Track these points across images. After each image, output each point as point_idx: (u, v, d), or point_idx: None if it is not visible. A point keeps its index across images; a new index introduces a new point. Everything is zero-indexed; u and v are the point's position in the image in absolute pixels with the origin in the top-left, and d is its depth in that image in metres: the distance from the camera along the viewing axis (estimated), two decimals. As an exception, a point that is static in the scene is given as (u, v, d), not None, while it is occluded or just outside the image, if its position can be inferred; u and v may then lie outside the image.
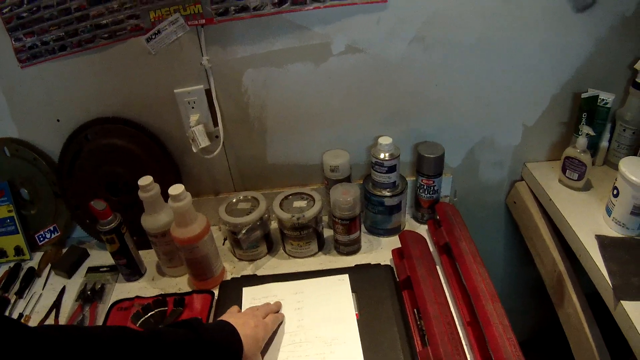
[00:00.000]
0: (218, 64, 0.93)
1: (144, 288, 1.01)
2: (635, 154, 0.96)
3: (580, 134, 0.95)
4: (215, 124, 0.99)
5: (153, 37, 0.90)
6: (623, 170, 0.81)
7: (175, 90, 0.96)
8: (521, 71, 0.95)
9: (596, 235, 0.86)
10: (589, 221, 0.90)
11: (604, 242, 0.84)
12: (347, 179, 1.00)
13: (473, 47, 0.90)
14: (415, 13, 0.87)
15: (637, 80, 0.92)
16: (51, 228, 1.15)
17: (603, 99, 0.96)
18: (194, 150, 0.98)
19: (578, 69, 0.95)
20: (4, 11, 0.92)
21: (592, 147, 1.01)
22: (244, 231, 0.95)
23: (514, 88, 0.97)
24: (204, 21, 0.88)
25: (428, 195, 1.00)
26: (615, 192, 0.84)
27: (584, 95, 0.96)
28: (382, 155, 0.92)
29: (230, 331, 0.71)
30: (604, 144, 1.02)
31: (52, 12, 0.91)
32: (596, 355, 0.84)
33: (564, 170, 0.99)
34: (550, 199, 0.98)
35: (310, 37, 0.89)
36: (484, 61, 0.92)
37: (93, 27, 0.91)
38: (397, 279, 0.89)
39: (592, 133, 0.93)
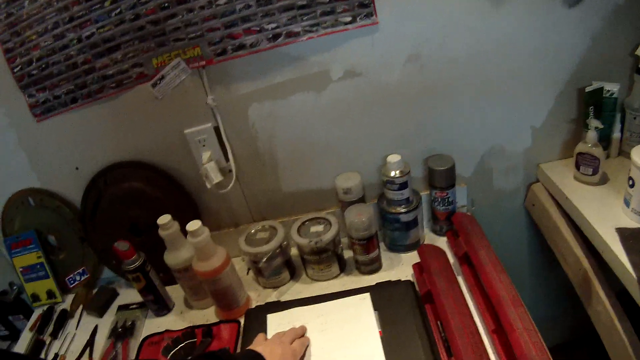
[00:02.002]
0: (223, 102, 0.95)
1: (173, 322, 1.03)
2: (649, 142, 0.94)
3: (589, 128, 0.94)
4: (227, 159, 1.01)
5: (158, 82, 0.93)
6: (635, 159, 0.79)
7: (185, 131, 0.99)
8: (520, 76, 0.94)
9: (616, 229, 0.84)
10: (608, 215, 0.88)
11: (625, 235, 0.82)
12: (361, 200, 1.01)
13: (466, 60, 0.90)
14: (406, 34, 0.87)
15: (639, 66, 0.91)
16: (80, 271, 1.18)
17: (609, 90, 0.94)
18: (208, 186, 1.00)
19: (578, 65, 0.94)
20: (15, 70, 0.96)
21: (605, 139, 0.99)
22: (264, 260, 0.96)
23: (515, 94, 0.96)
24: (204, 62, 0.90)
25: (443, 207, 1.00)
26: (630, 182, 0.82)
27: (587, 89, 0.94)
28: (392, 173, 0.93)
29: None
30: (616, 135, 1.00)
31: (61, 68, 0.95)
32: (630, 351, 0.82)
33: (577, 167, 0.98)
34: (567, 197, 0.96)
35: (309, 67, 0.90)
36: (480, 72, 0.92)
37: (100, 78, 0.95)
38: (419, 294, 0.89)
39: (600, 126, 0.91)
